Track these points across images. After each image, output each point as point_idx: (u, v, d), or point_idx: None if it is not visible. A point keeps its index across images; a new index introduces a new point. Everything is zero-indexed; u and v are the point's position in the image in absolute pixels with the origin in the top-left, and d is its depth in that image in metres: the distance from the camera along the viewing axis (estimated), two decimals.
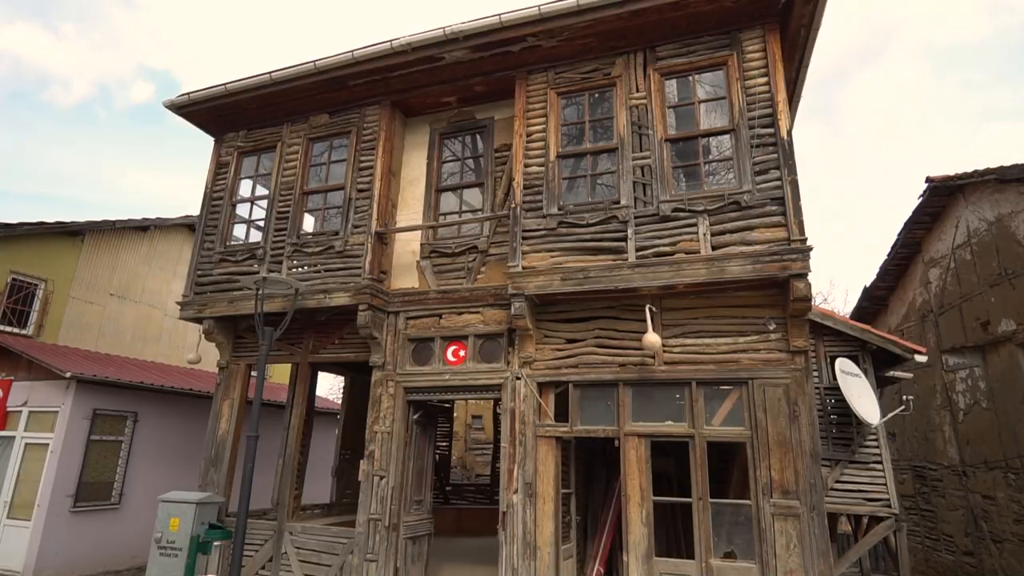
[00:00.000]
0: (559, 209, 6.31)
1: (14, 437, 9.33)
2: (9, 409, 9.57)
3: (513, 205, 6.52)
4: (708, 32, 6.23)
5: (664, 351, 5.89)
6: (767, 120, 5.76)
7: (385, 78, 7.42)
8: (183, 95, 8.26)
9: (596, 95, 6.65)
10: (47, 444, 9.00)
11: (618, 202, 6.08)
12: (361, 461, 6.86)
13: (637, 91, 6.38)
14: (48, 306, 12.23)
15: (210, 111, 8.33)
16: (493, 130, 7.45)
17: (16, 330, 11.62)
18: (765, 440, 5.34)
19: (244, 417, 7.99)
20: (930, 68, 71.01)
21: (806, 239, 5.26)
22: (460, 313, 6.88)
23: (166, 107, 8.41)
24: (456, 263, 7.12)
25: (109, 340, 13.39)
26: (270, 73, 7.66)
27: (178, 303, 8.03)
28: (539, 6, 6.37)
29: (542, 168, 6.55)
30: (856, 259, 39.83)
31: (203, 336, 7.86)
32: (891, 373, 8.24)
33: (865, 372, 7.46)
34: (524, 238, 6.37)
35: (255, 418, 6.28)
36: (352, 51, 7.22)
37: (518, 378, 6.35)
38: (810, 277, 5.19)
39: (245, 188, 8.40)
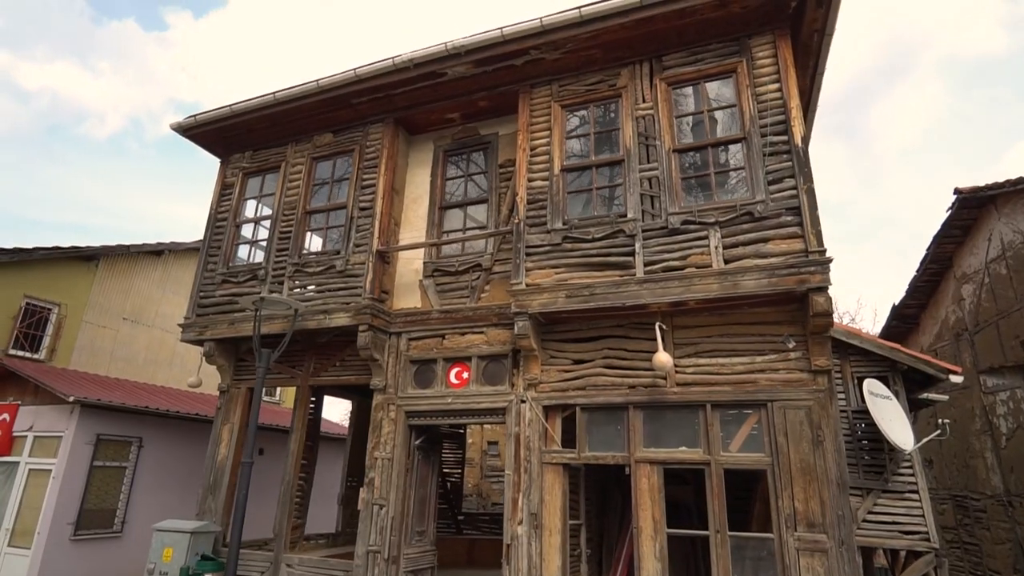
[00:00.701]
0: (564, 224, 6.06)
1: (18, 463, 9.23)
2: (15, 434, 9.50)
3: (516, 220, 6.30)
4: (716, 40, 6.01)
5: (676, 372, 5.54)
6: (780, 127, 5.48)
7: (388, 95, 7.32)
8: (190, 117, 8.27)
9: (601, 106, 6.44)
10: (50, 470, 8.88)
11: (625, 215, 5.81)
12: (361, 489, 6.56)
13: (643, 101, 6.16)
14: (61, 330, 12.28)
15: (216, 132, 8.32)
16: (497, 146, 7.28)
17: (28, 354, 11.66)
18: (787, 467, 4.93)
19: (245, 442, 7.80)
20: (953, 86, 70.00)
21: (825, 250, 4.92)
22: (463, 333, 6.62)
23: (173, 129, 8.43)
24: (459, 282, 6.89)
25: (121, 365, 13.39)
26: (274, 93, 7.63)
27: (180, 325, 7.91)
28: (541, 18, 6.23)
29: (546, 182, 6.33)
30: (885, 280, 38.81)
31: (204, 359, 7.71)
32: (924, 395, 7.74)
33: (896, 394, 6.99)
34: (528, 254, 6.12)
35: (250, 443, 6.05)
36: (354, 69, 7.15)
37: (523, 401, 6.04)
38: (831, 291, 4.84)
39: (251, 209, 8.33)
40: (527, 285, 5.96)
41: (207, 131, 8.32)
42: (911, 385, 7.36)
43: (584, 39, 6.25)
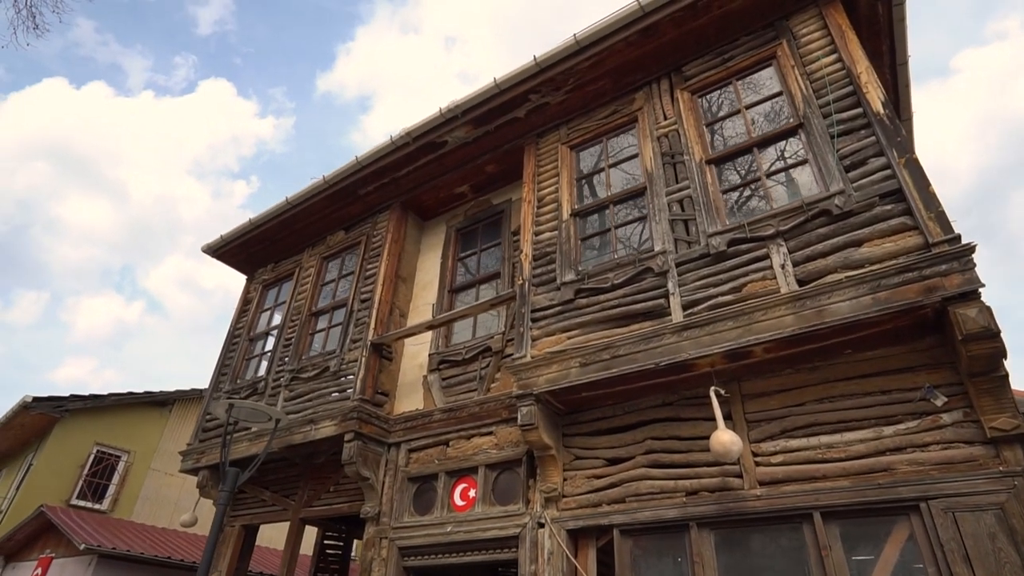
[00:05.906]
0: (576, 275, 4.66)
1: None
2: None
3: (520, 282, 4.99)
4: (745, 32, 4.81)
5: (756, 463, 3.59)
6: (849, 101, 3.95)
7: (394, 179, 6.72)
8: (218, 237, 8.18)
9: (615, 136, 5.29)
10: None
11: (651, 250, 4.32)
12: None
13: (664, 119, 4.94)
14: (127, 479, 12.04)
15: (241, 248, 8.11)
16: (510, 213, 6.25)
17: (91, 504, 11.37)
18: None
19: None
20: None
21: (958, 236, 3.08)
22: (469, 436, 5.08)
23: (204, 252, 8.36)
24: (468, 372, 5.50)
25: (186, 515, 12.76)
26: (286, 197, 7.35)
27: (180, 453, 7.07)
28: (535, 56, 5.46)
29: (554, 232, 5.07)
30: None
31: (199, 491, 6.68)
32: None
33: None
34: (533, 320, 4.71)
35: None
36: (356, 156, 6.72)
37: (540, 524, 4.23)
38: (984, 295, 2.91)
39: (265, 322, 7.74)
40: (532, 358, 4.46)
41: (233, 248, 8.13)
42: None
43: (587, 69, 5.32)
